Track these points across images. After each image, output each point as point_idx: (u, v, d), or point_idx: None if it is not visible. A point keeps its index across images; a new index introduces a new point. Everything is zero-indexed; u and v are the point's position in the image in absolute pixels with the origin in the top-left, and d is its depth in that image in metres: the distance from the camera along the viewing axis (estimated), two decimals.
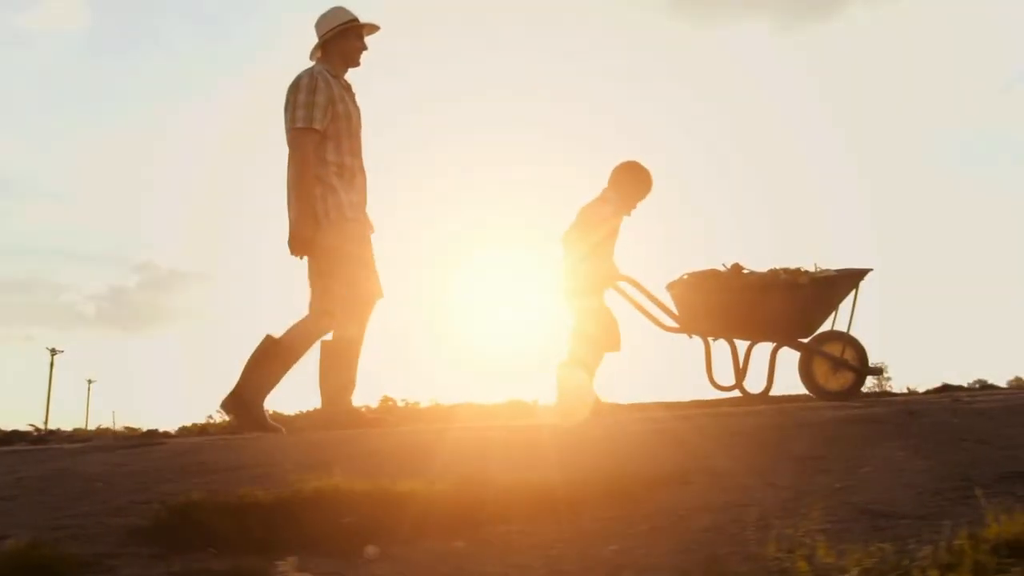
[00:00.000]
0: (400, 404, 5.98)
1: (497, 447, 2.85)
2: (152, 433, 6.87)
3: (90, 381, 48.28)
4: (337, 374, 3.93)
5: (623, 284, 4.76)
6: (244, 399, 3.86)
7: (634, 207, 4.86)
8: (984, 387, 6.18)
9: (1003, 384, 10.36)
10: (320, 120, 3.90)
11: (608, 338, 4.64)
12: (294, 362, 3.98)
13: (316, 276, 4.04)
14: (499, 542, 2.06)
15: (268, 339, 3.95)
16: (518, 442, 2.93)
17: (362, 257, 4.02)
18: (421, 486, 2.23)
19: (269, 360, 3.92)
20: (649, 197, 4.89)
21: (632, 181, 4.84)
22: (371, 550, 2.02)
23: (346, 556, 2.00)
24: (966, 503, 2.16)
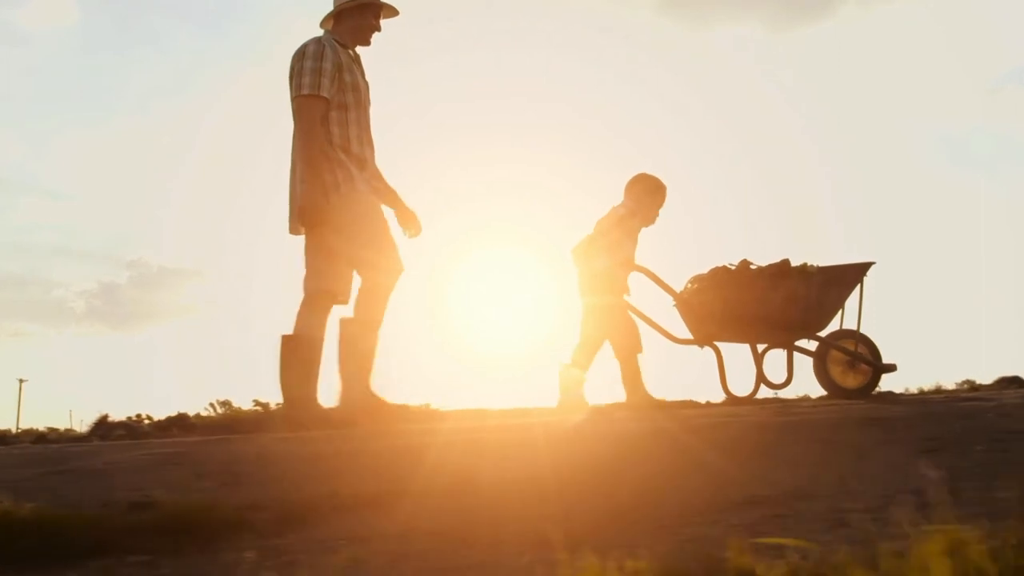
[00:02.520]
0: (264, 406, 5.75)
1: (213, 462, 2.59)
2: (28, 433, 6.56)
3: (21, 380, 46.94)
4: (352, 359, 3.69)
5: (632, 300, 4.80)
6: (296, 412, 3.59)
7: (656, 215, 4.99)
8: (881, 393, 5.97)
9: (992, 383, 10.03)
10: (327, 88, 3.71)
11: (635, 342, 4.73)
12: (320, 350, 3.71)
13: (315, 253, 3.77)
14: None
15: (284, 339, 3.69)
16: (240, 457, 2.67)
17: (376, 233, 3.75)
18: (46, 509, 1.97)
19: (296, 360, 3.65)
20: (666, 203, 5.06)
21: (647, 191, 4.99)
22: None
23: None
24: (655, 533, 1.93)
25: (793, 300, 4.63)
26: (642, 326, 4.84)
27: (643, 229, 5.13)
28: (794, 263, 4.72)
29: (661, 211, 5.07)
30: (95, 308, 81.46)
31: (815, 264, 4.73)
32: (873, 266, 4.78)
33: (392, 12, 4.03)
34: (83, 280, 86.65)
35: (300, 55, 3.77)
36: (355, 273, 3.81)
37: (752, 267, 4.73)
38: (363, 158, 3.83)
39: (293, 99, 3.75)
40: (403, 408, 3.88)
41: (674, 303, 4.91)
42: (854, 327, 4.77)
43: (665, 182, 5.05)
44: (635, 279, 4.95)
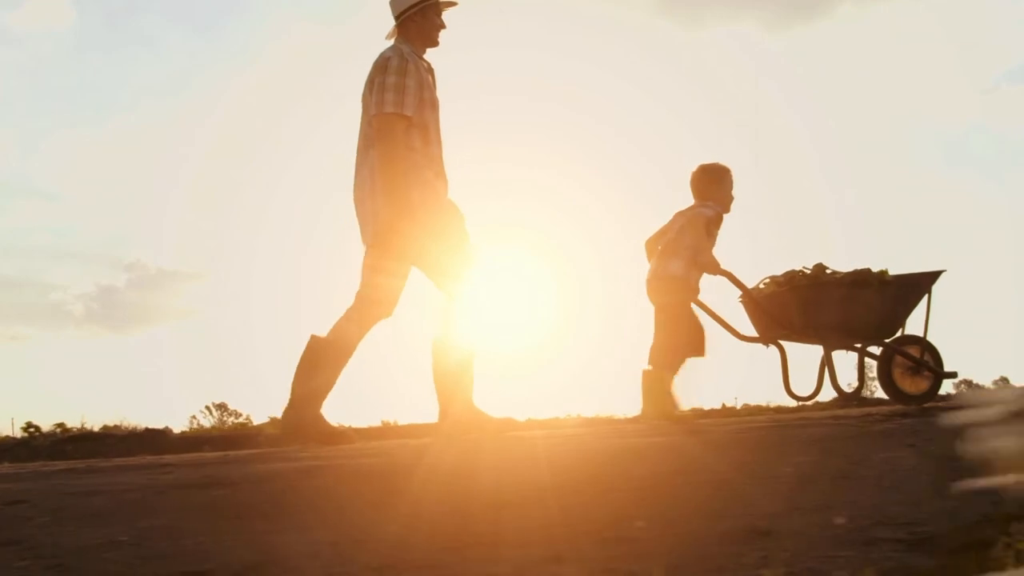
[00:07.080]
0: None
1: None
2: None
3: None
4: (449, 376, 3.79)
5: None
6: (300, 412, 3.65)
7: (732, 201, 4.72)
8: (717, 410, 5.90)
9: (989, 384, 9.84)
10: (411, 106, 3.63)
11: (693, 343, 4.49)
12: (347, 360, 3.73)
13: (381, 264, 3.78)
14: None
15: (314, 340, 3.70)
16: None
17: (459, 243, 3.83)
18: None
19: (321, 363, 3.67)
20: (736, 184, 4.78)
21: (715, 181, 4.71)
22: None
23: None
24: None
25: (871, 309, 4.63)
26: (709, 325, 4.65)
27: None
28: (871, 271, 4.68)
29: (734, 194, 4.84)
30: (93, 311, 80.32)
31: (891, 273, 4.71)
32: (944, 274, 4.78)
33: (450, 3, 3.90)
34: (81, 283, 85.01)
35: (382, 68, 3.65)
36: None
37: (828, 271, 4.66)
38: (441, 175, 3.79)
39: (374, 115, 3.64)
40: (507, 421, 3.86)
41: (740, 298, 4.82)
42: (914, 332, 4.78)
43: (722, 164, 4.82)
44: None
